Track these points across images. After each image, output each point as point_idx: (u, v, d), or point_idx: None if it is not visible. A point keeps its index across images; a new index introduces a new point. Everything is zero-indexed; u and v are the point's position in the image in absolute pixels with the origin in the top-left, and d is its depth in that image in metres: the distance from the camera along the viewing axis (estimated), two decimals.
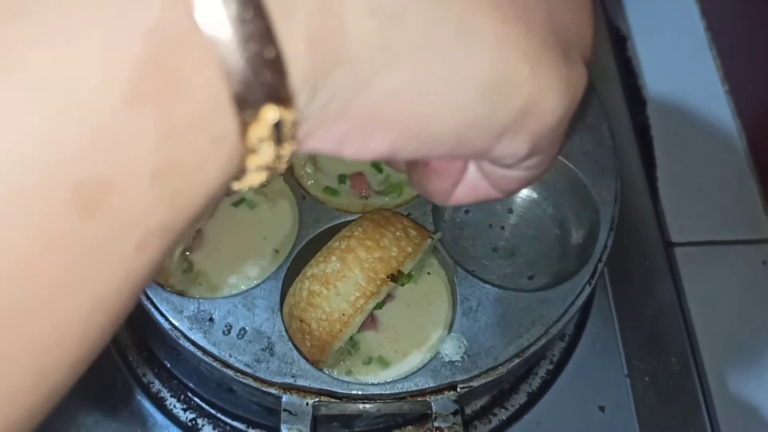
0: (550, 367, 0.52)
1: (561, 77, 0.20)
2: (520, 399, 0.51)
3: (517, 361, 0.43)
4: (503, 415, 0.51)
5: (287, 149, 0.17)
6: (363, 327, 0.44)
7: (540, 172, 0.24)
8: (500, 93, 0.19)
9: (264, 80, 0.16)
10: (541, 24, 0.20)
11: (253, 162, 0.17)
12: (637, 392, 0.51)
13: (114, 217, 0.15)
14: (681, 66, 0.80)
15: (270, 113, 0.16)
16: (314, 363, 0.42)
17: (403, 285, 0.43)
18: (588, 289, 0.45)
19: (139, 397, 0.50)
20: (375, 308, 0.43)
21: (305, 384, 0.42)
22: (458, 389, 0.43)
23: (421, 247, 0.42)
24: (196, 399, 0.50)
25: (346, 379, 0.43)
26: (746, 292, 0.66)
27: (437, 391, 0.43)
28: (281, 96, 0.16)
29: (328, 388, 0.42)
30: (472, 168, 0.24)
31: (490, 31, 0.19)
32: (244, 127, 0.16)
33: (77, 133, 0.14)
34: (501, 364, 0.43)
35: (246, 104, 0.16)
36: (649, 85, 0.77)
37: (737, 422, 0.51)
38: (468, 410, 0.50)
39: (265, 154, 0.17)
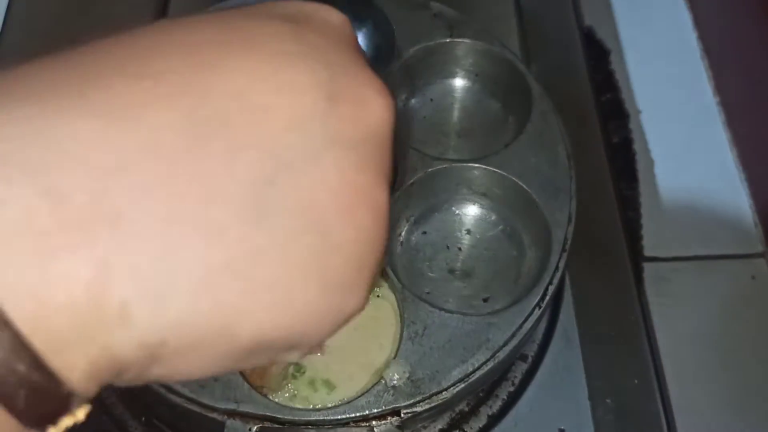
0: (512, 389, 0.52)
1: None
2: (480, 422, 0.50)
3: (461, 386, 0.43)
4: None
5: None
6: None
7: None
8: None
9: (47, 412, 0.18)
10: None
11: None
12: (598, 414, 0.50)
13: None
14: (672, 78, 0.79)
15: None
16: (258, 388, 0.43)
17: None
18: (537, 313, 0.45)
19: (102, 419, 0.50)
20: None
21: (248, 409, 0.42)
22: (401, 414, 0.42)
23: None
24: (157, 422, 0.50)
25: (290, 404, 0.43)
26: (733, 308, 0.65)
27: (380, 416, 0.43)
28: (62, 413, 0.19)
29: (271, 414, 0.42)
30: None
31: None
32: None
33: None
34: (445, 389, 0.43)
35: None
36: (638, 98, 0.76)
37: None
38: None
39: None
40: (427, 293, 0.48)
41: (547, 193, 0.48)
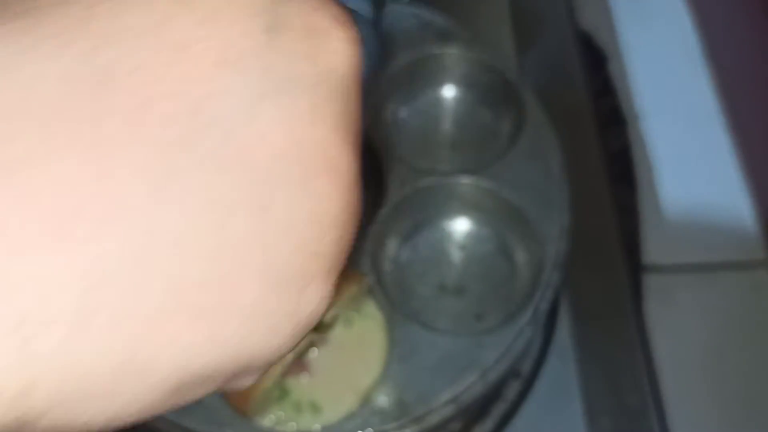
0: (506, 407, 0.50)
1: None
2: None
3: (450, 407, 0.42)
4: None
5: None
6: (293, 372, 0.43)
7: None
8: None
9: None
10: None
11: None
12: None
13: None
14: (672, 83, 0.77)
15: None
16: (241, 411, 0.42)
17: (323, 333, 0.42)
18: (529, 331, 0.44)
19: None
20: (302, 354, 0.42)
21: None
22: None
23: (344, 292, 0.41)
24: None
25: (274, 427, 0.42)
26: (736, 320, 0.63)
27: None
28: None
29: None
30: None
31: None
32: None
33: None
34: (433, 411, 0.42)
35: None
36: (637, 104, 0.75)
37: None
38: None
39: None
40: (418, 311, 0.47)
41: (541, 207, 0.47)
